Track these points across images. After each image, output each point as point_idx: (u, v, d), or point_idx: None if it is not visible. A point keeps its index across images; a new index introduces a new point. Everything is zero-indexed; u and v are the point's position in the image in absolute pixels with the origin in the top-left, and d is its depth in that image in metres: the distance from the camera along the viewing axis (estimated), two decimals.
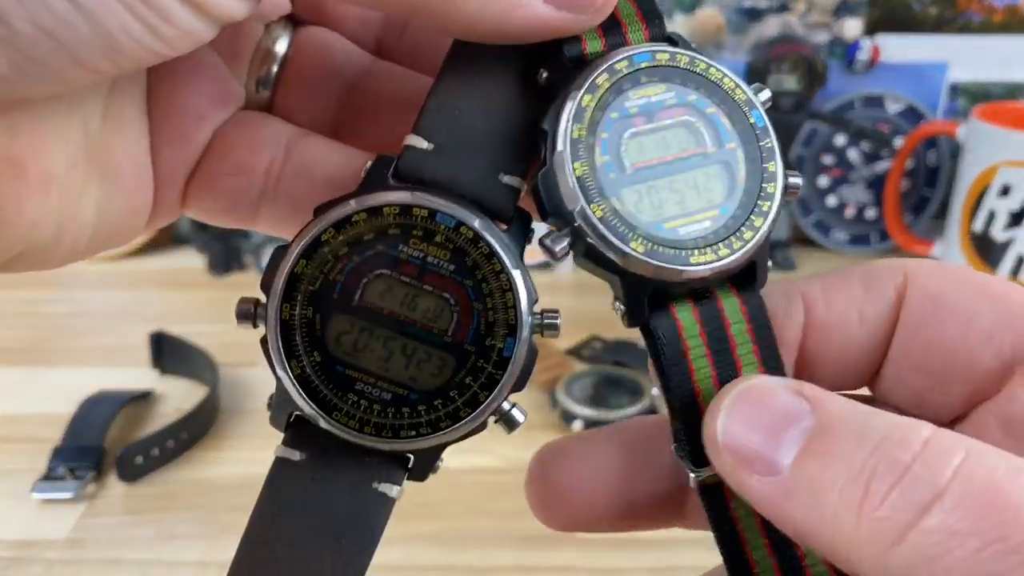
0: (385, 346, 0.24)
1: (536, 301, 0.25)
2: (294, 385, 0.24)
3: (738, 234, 0.25)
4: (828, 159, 1.01)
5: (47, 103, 0.23)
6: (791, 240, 1.02)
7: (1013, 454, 0.20)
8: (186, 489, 0.65)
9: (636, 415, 0.68)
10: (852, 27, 0.99)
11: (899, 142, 0.98)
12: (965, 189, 0.90)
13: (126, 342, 0.83)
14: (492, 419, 0.25)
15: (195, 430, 0.69)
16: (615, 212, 0.25)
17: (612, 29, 0.26)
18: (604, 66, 0.25)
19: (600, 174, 0.25)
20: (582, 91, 0.25)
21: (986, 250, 0.90)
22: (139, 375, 0.78)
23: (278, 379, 0.24)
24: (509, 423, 0.25)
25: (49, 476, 0.64)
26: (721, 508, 0.25)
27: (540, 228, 0.26)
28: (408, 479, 0.25)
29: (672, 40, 0.27)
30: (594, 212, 0.24)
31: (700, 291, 0.26)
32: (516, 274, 0.24)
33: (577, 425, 0.70)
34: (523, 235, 0.26)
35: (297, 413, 0.25)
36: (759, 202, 0.25)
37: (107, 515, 0.62)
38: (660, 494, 0.28)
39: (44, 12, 0.19)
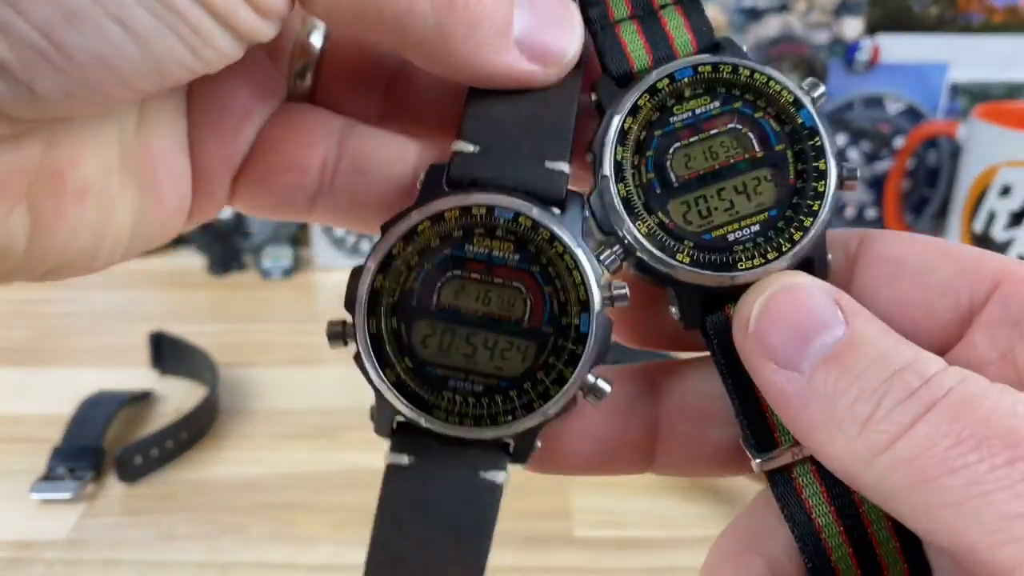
0: (468, 342, 0.26)
1: (602, 275, 0.26)
2: (392, 391, 0.25)
3: (788, 235, 0.26)
4: None
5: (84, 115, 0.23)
6: None
7: None
8: (186, 489, 0.65)
9: None
10: (852, 27, 0.99)
11: (899, 142, 0.98)
12: (965, 189, 0.90)
13: (126, 342, 0.83)
14: (580, 394, 0.26)
15: (195, 430, 0.69)
16: (661, 226, 0.26)
17: (659, 42, 0.27)
18: (645, 87, 0.26)
19: (646, 191, 0.26)
20: (624, 114, 0.26)
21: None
22: (138, 375, 0.78)
23: (376, 390, 0.26)
24: (597, 394, 0.26)
25: (48, 476, 0.64)
26: (788, 490, 0.26)
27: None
28: (512, 463, 0.26)
29: (720, 46, 0.27)
30: (639, 229, 0.26)
31: None
32: (579, 252, 0.25)
33: None
34: (579, 216, 0.27)
35: (399, 419, 0.26)
36: (809, 202, 0.26)
37: (106, 515, 0.62)
38: (635, 443, 0.29)
39: (100, 40, 0.19)
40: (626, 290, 0.26)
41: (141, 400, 0.74)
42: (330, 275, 0.99)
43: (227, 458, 0.68)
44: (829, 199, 0.26)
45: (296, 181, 0.28)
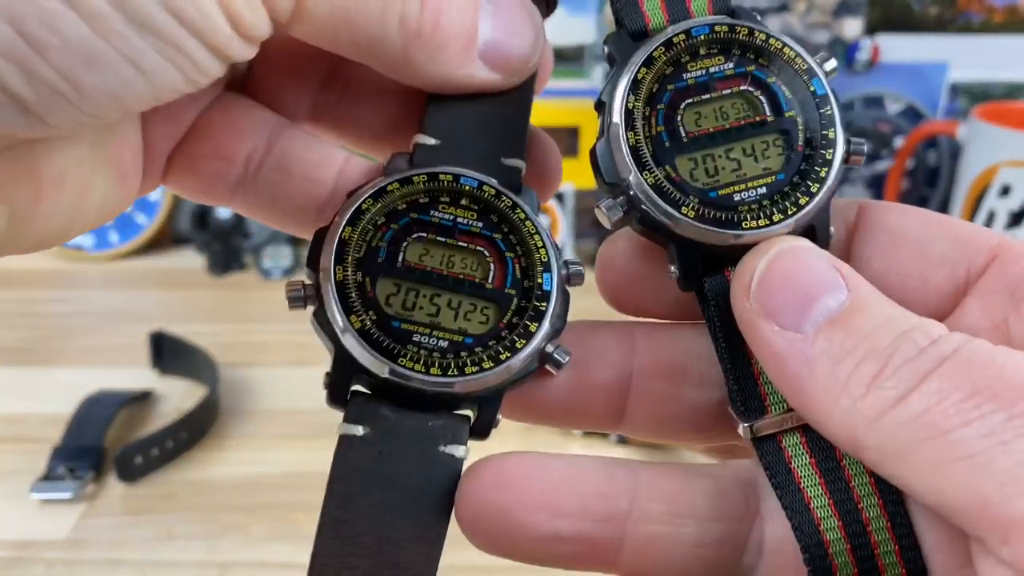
0: (432, 303, 0.26)
1: (560, 250, 0.27)
2: (356, 338, 0.25)
3: (793, 199, 0.25)
4: None
5: None
6: None
7: None
8: (186, 489, 0.65)
9: None
10: (852, 27, 0.99)
11: (899, 142, 0.98)
12: (965, 189, 0.90)
13: (126, 342, 0.83)
14: (538, 361, 0.26)
15: (195, 430, 0.69)
16: (668, 179, 0.26)
17: (675, 2, 0.27)
18: (662, 39, 0.26)
19: (655, 143, 0.26)
20: (639, 64, 0.26)
21: None
22: (139, 375, 0.78)
23: (338, 344, 0.25)
24: (556, 364, 0.26)
25: (49, 476, 0.64)
26: (777, 459, 0.26)
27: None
28: (471, 438, 0.26)
29: (735, 12, 0.27)
30: (646, 179, 0.25)
31: None
32: (539, 220, 0.27)
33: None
34: (535, 205, 0.28)
35: (355, 388, 0.25)
36: (817, 168, 0.26)
37: (107, 515, 0.62)
38: (606, 393, 0.28)
39: (114, 80, 0.21)
40: (582, 268, 0.27)
41: (141, 400, 0.74)
42: None
43: (227, 458, 0.68)
44: (836, 167, 0.26)
45: (221, 169, 0.29)
